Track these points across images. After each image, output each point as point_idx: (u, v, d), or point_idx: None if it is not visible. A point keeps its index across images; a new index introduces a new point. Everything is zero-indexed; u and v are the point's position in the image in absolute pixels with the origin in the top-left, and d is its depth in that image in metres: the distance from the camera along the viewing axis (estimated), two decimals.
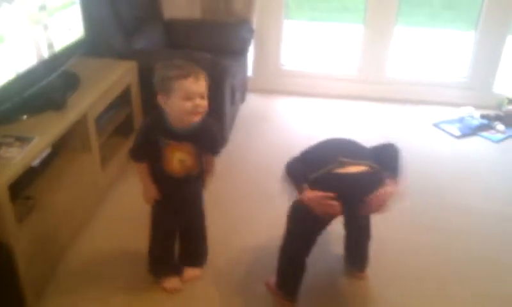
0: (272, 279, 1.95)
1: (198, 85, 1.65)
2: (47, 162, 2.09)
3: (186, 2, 3.46)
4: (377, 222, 2.01)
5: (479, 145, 3.24)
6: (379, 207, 1.66)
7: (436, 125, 3.42)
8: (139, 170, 1.80)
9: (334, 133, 3.19)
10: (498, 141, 3.27)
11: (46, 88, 2.11)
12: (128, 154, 1.83)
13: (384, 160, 1.76)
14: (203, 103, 1.67)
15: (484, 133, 3.34)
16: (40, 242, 1.88)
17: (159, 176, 1.80)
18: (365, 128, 3.38)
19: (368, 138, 3.17)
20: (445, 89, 3.81)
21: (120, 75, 2.51)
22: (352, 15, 6.94)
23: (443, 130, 3.37)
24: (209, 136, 1.82)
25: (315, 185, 1.67)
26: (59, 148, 2.15)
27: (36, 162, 1.93)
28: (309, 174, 1.71)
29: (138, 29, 3.03)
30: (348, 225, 2.04)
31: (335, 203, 1.62)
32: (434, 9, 7.88)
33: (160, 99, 1.69)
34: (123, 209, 2.42)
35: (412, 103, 3.72)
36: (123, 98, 2.61)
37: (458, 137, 3.29)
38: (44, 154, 2.02)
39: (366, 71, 3.80)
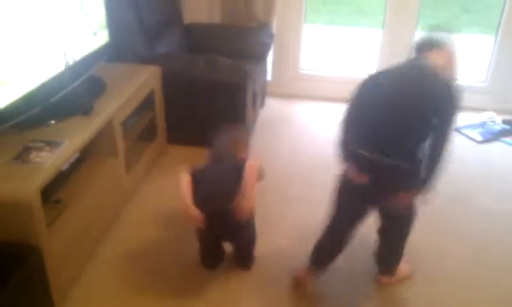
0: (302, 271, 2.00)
1: None
2: (74, 166, 2.12)
3: (206, 7, 3.50)
4: None
5: (500, 150, 3.22)
6: (402, 207, 1.72)
7: (457, 130, 3.40)
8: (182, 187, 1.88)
9: None
10: None
11: (73, 93, 2.14)
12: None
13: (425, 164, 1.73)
14: None
15: (506, 139, 3.32)
16: (68, 245, 1.90)
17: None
18: None
19: None
20: (465, 94, 3.77)
21: (144, 80, 2.54)
22: (369, 19, 6.93)
23: (465, 135, 3.35)
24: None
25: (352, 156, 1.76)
26: (86, 152, 2.18)
27: (64, 166, 1.95)
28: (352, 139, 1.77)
29: (160, 33, 3.06)
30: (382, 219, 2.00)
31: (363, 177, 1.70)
32: (452, 12, 7.83)
33: None
34: (149, 211, 2.45)
35: None
36: (147, 102, 2.64)
37: (480, 142, 3.27)
38: (72, 158, 2.05)
39: None
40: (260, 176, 1.99)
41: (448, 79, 1.78)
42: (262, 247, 2.22)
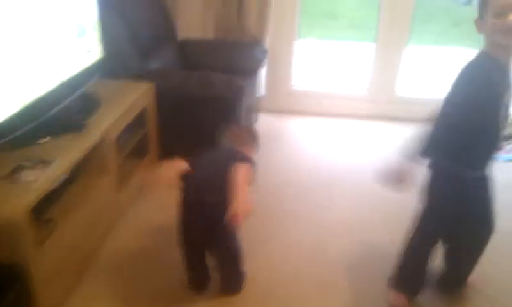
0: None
1: None
2: (66, 184, 2.11)
3: (200, 23, 3.51)
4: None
5: None
6: None
7: None
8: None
9: (346, 152, 3.27)
10: (509, 160, 3.26)
11: (66, 110, 2.13)
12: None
13: None
14: None
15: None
16: (59, 264, 1.89)
17: None
18: (377, 147, 3.39)
19: (380, 157, 3.23)
20: None
21: (137, 96, 2.54)
22: (361, 33, 6.99)
23: None
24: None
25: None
26: (78, 169, 2.17)
27: (56, 184, 1.94)
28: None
29: (153, 49, 3.07)
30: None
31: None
32: (443, 26, 7.92)
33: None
34: (140, 230, 2.43)
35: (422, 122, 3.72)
36: (140, 118, 2.63)
37: None
38: (64, 176, 2.03)
39: (376, 90, 3.82)
40: (250, 179, 1.83)
41: None
42: (248, 266, 2.11)
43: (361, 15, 8.14)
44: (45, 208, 1.92)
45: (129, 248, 2.31)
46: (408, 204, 2.75)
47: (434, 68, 5.64)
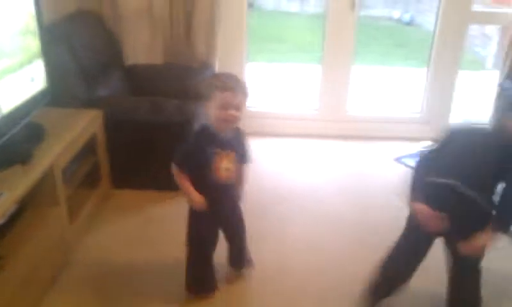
0: None
1: (234, 97, 1.84)
2: (14, 218, 2.02)
3: (147, 48, 3.48)
4: None
5: None
6: (476, 250, 1.72)
7: (397, 160, 3.53)
8: (182, 180, 1.92)
9: (300, 172, 3.31)
10: None
11: (11, 141, 2.05)
12: (172, 164, 1.93)
13: (500, 204, 1.74)
14: (236, 114, 1.86)
15: None
16: (10, 302, 1.79)
17: (203, 185, 1.92)
18: (329, 165, 3.45)
19: (333, 175, 3.29)
20: (403, 125, 3.95)
21: (85, 125, 2.48)
22: (308, 55, 7.15)
23: (405, 164, 3.47)
24: (243, 145, 2.03)
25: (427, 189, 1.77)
26: (26, 202, 2.08)
27: (3, 219, 1.86)
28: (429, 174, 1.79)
29: (100, 76, 3.02)
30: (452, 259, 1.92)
31: (439, 220, 1.69)
32: (386, 47, 8.22)
33: (205, 106, 1.89)
34: (95, 261, 2.36)
35: (373, 140, 3.83)
36: (90, 147, 2.57)
37: None
38: (11, 209, 1.95)
39: (326, 110, 3.90)
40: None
41: None
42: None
43: (307, 38, 8.35)
44: None
45: (85, 278, 2.24)
46: (364, 219, 2.83)
47: (380, 87, 5.83)
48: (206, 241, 2.06)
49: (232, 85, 1.86)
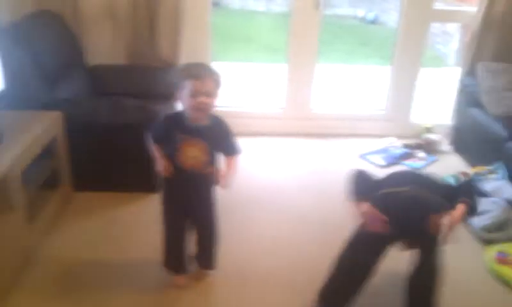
0: None
1: (204, 85, 1.84)
2: None
3: (110, 49, 3.43)
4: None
5: None
6: (437, 228, 1.71)
7: (362, 157, 3.57)
8: (152, 147, 2.00)
9: (266, 170, 3.31)
10: (420, 168, 3.45)
11: None
12: (146, 136, 2.01)
13: (459, 195, 1.80)
14: (207, 101, 1.87)
15: (407, 162, 3.53)
16: None
17: (173, 165, 1.95)
18: (295, 163, 3.46)
19: (299, 173, 3.31)
20: (367, 122, 4.00)
21: (44, 127, 2.43)
22: (274, 54, 7.18)
23: (369, 161, 3.52)
24: (220, 136, 2.01)
25: (375, 201, 1.77)
26: None
27: None
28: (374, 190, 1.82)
29: (61, 77, 2.94)
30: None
31: (385, 223, 1.72)
32: (350, 46, 8.32)
33: (177, 94, 1.91)
34: (56, 264, 2.30)
35: (338, 137, 3.87)
36: (49, 149, 2.51)
37: (383, 167, 3.44)
38: None
39: (292, 108, 3.92)
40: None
41: None
42: None
43: (273, 38, 8.37)
44: None
45: (50, 278, 2.20)
46: (329, 216, 2.85)
47: (344, 85, 5.89)
48: (173, 224, 2.10)
49: (201, 73, 1.87)
